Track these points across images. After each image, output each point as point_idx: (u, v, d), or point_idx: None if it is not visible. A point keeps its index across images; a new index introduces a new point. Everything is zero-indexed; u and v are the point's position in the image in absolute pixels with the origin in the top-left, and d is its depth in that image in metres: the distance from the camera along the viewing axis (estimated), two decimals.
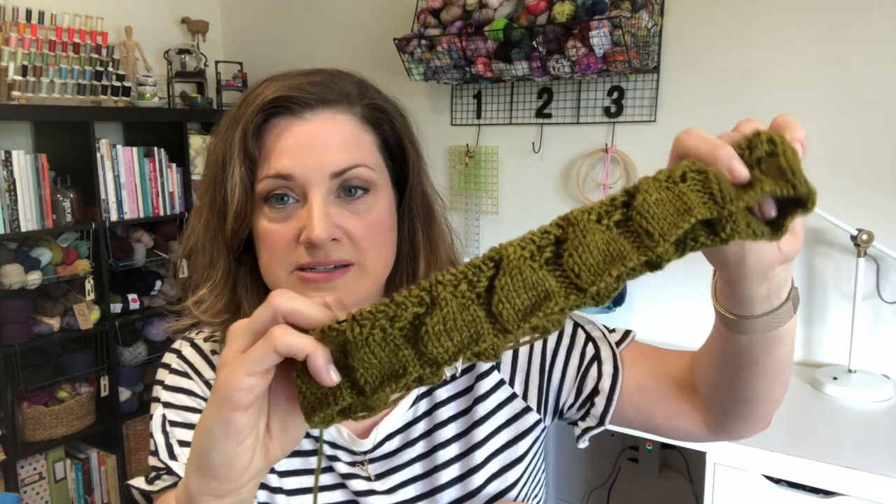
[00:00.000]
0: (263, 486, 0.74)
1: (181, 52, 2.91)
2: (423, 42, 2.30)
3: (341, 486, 0.76)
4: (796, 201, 0.42)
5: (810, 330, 1.98)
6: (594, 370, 0.77)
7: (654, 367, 0.77)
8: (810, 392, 1.79)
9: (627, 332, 0.81)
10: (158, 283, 2.84)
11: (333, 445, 0.76)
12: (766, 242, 0.48)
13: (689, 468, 2.27)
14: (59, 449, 2.67)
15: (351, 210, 0.68)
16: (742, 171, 0.42)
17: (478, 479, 0.76)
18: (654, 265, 0.41)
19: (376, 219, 0.70)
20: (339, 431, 0.76)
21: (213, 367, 0.78)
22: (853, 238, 1.75)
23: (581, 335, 0.79)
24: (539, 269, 0.42)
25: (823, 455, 1.46)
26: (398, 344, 0.43)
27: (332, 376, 0.44)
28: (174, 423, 0.75)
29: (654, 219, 0.41)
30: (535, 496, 0.84)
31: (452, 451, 0.77)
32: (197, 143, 2.87)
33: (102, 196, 2.57)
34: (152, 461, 0.74)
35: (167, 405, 0.76)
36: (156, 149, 2.76)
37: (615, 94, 2.24)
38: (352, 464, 0.76)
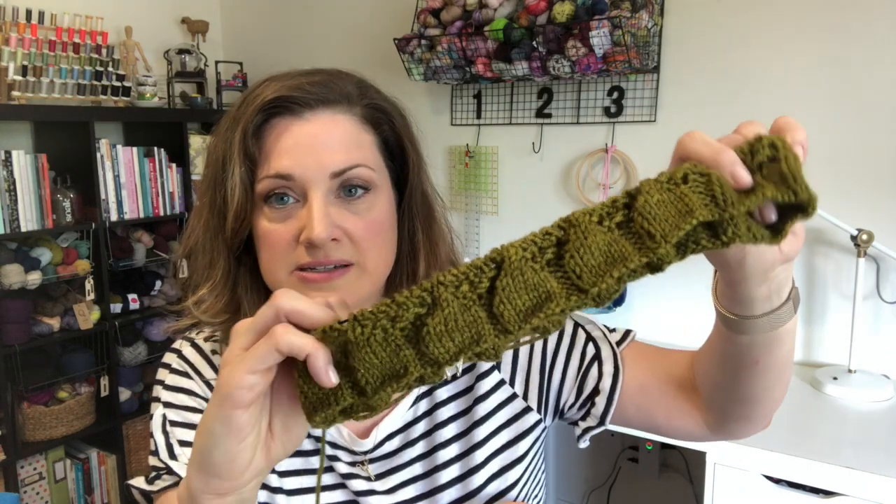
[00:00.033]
0: (264, 486, 0.74)
1: (181, 52, 2.91)
2: (423, 42, 2.30)
3: (341, 486, 0.76)
4: (797, 206, 0.42)
5: (810, 330, 1.98)
6: (595, 370, 0.77)
7: (654, 367, 0.77)
8: (810, 392, 1.79)
9: (628, 332, 0.81)
10: (158, 283, 2.84)
11: (334, 445, 0.76)
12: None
13: (689, 468, 2.27)
14: (59, 449, 2.67)
15: (351, 210, 0.68)
16: (745, 177, 0.42)
17: (478, 479, 0.76)
18: (655, 267, 0.42)
19: (376, 219, 0.70)
20: (339, 431, 0.76)
21: (213, 366, 0.78)
22: (853, 238, 1.76)
23: (581, 335, 0.79)
24: (540, 270, 0.42)
25: (823, 455, 1.46)
26: (399, 344, 0.43)
27: (331, 377, 0.44)
28: (174, 423, 0.75)
29: (655, 220, 0.41)
30: (536, 496, 0.84)
31: (452, 451, 0.77)
32: (197, 143, 2.87)
33: (102, 196, 2.57)
34: (152, 461, 0.74)
35: (167, 405, 0.76)
36: (156, 149, 2.76)
37: (615, 94, 2.24)
38: (352, 464, 0.76)
